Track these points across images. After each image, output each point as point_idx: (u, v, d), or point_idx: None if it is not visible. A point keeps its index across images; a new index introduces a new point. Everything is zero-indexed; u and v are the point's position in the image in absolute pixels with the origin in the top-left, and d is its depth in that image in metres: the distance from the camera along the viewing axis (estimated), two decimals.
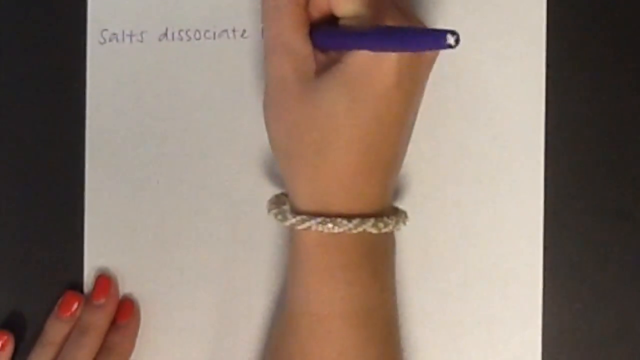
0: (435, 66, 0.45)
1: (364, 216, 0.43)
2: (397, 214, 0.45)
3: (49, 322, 0.51)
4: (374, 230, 0.43)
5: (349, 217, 0.42)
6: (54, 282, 0.52)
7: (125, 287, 0.52)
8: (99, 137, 0.52)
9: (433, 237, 0.50)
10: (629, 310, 0.50)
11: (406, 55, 0.41)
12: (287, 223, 0.43)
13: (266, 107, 0.45)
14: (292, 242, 0.45)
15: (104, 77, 0.52)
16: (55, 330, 0.50)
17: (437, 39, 0.37)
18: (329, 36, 0.43)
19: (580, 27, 0.50)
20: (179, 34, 0.52)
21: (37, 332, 0.51)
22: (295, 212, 0.44)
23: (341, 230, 0.42)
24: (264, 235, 0.51)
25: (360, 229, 0.42)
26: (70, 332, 0.50)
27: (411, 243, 0.50)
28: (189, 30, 0.52)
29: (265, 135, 0.51)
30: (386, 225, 0.43)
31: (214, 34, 0.52)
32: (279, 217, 0.44)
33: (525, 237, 0.50)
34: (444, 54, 0.43)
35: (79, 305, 0.51)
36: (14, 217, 0.53)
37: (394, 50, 0.40)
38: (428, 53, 0.43)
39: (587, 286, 0.50)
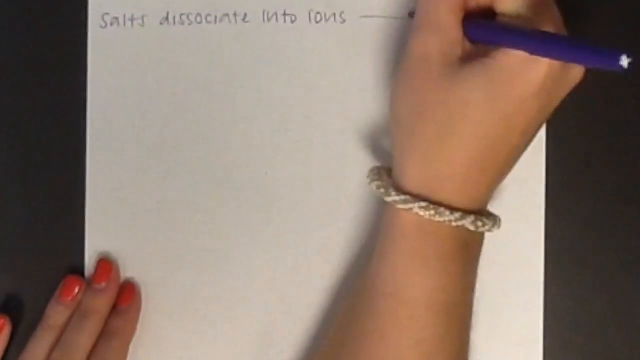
0: None
1: (464, 211, 0.43)
2: (492, 217, 0.45)
3: (50, 306, 0.51)
4: (471, 227, 0.43)
5: (451, 208, 0.42)
6: (55, 266, 0.52)
7: (127, 271, 0.52)
8: (100, 121, 0.52)
9: None
10: (630, 294, 0.50)
11: (555, 69, 0.41)
12: (389, 199, 0.43)
13: (399, 80, 0.44)
14: (386, 219, 0.44)
15: (105, 61, 0.52)
16: (56, 314, 0.50)
17: (609, 58, 0.36)
18: (484, 29, 0.43)
19: (580, 12, 0.50)
20: (180, 17, 0.52)
21: (38, 316, 0.51)
22: (399, 190, 0.43)
23: (441, 219, 0.42)
24: (265, 219, 0.51)
25: (459, 223, 0.42)
26: (71, 316, 0.50)
27: None
28: (190, 14, 0.52)
29: (265, 119, 0.51)
30: (483, 225, 0.43)
31: (215, 17, 0.52)
32: (381, 190, 0.44)
33: (527, 221, 0.50)
34: None
35: (79, 289, 0.51)
36: (15, 201, 0.53)
37: (553, 57, 0.40)
38: (575, 72, 0.42)
39: (589, 271, 0.50)
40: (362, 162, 0.51)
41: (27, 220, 0.53)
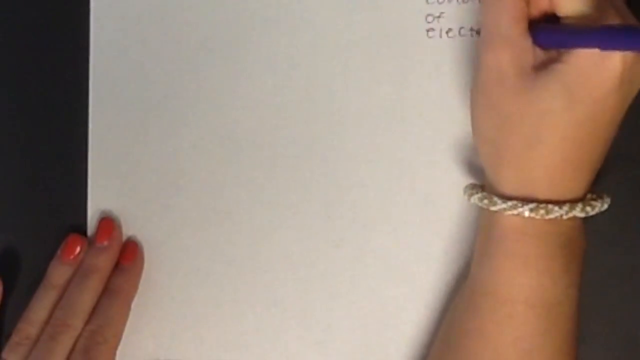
0: None
1: (571, 202, 0.43)
2: (599, 197, 0.45)
3: (52, 265, 0.51)
4: (582, 215, 0.43)
5: (558, 203, 0.42)
6: (57, 225, 0.52)
7: (129, 229, 0.52)
8: (103, 79, 0.52)
9: (437, 209, 0.50)
10: (635, 252, 0.50)
11: (629, 59, 0.41)
12: (496, 208, 0.43)
13: (476, 95, 0.45)
14: (484, 224, 0.45)
15: (108, 16, 0.52)
16: (59, 273, 0.50)
17: None
18: (550, 34, 0.43)
19: None
20: None
21: (41, 275, 0.51)
22: (501, 197, 0.44)
23: (552, 216, 0.42)
24: (269, 177, 0.51)
25: (571, 214, 0.42)
26: (73, 275, 0.50)
27: (415, 224, 0.50)
28: None
29: (270, 75, 0.51)
30: (593, 208, 0.43)
31: None
32: (485, 201, 0.44)
33: None
34: None
35: (82, 248, 0.51)
36: (18, 160, 0.53)
37: (624, 50, 0.40)
38: None
39: (594, 231, 0.49)
40: (364, 121, 0.50)
41: (29, 179, 0.53)
